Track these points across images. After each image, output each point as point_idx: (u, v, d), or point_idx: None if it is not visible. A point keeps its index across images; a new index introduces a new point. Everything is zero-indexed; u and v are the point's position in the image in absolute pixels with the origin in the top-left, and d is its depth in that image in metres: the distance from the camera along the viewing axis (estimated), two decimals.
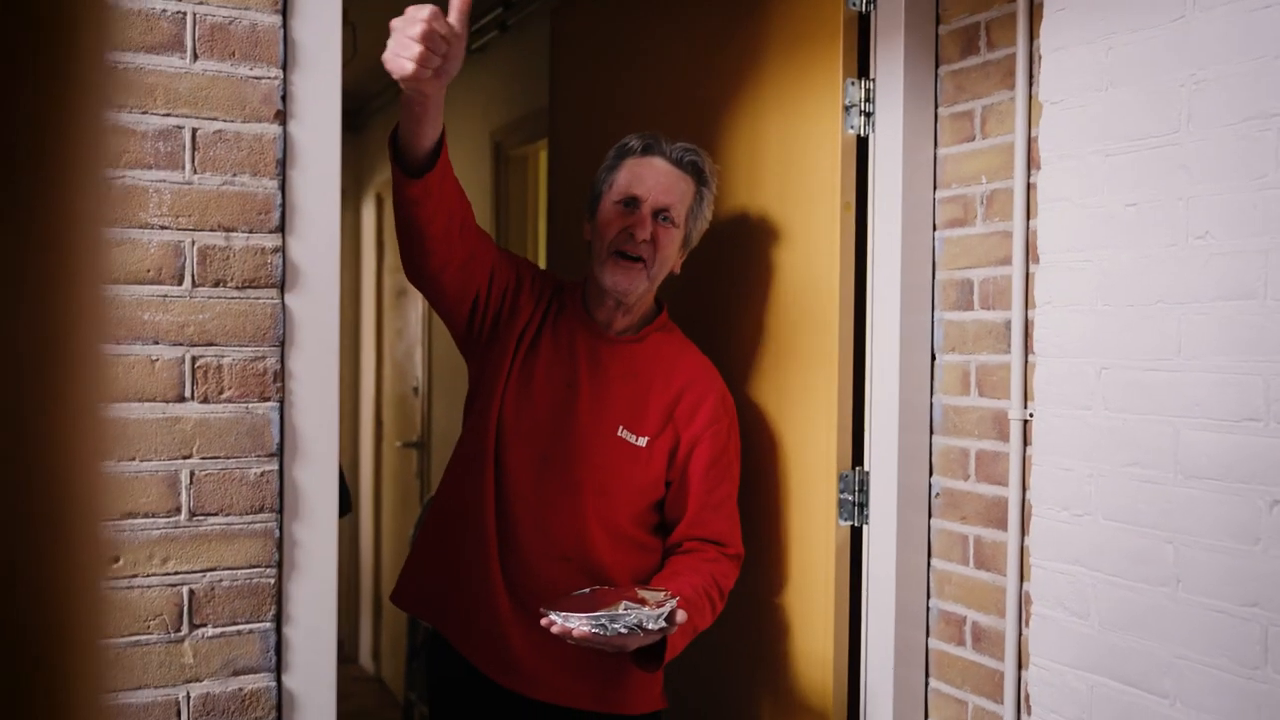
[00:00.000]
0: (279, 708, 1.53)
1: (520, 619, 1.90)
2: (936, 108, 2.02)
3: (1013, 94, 1.84)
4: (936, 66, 2.02)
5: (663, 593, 1.74)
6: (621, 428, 1.94)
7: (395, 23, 1.52)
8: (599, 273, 1.95)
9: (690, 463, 1.95)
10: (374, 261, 5.37)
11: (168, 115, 1.44)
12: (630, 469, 1.93)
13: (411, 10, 1.51)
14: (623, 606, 1.68)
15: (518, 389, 1.95)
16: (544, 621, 1.67)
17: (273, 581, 1.52)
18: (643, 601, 1.70)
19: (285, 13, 1.51)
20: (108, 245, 0.31)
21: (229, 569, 1.49)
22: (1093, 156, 1.64)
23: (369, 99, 5.33)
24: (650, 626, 1.65)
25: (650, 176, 1.95)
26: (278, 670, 1.52)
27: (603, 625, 1.64)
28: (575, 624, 1.64)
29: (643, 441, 1.94)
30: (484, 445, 1.93)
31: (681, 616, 1.69)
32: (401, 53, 1.50)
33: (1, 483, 0.27)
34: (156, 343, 1.45)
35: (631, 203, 1.94)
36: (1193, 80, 1.50)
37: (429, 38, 1.49)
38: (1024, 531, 1.82)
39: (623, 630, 1.64)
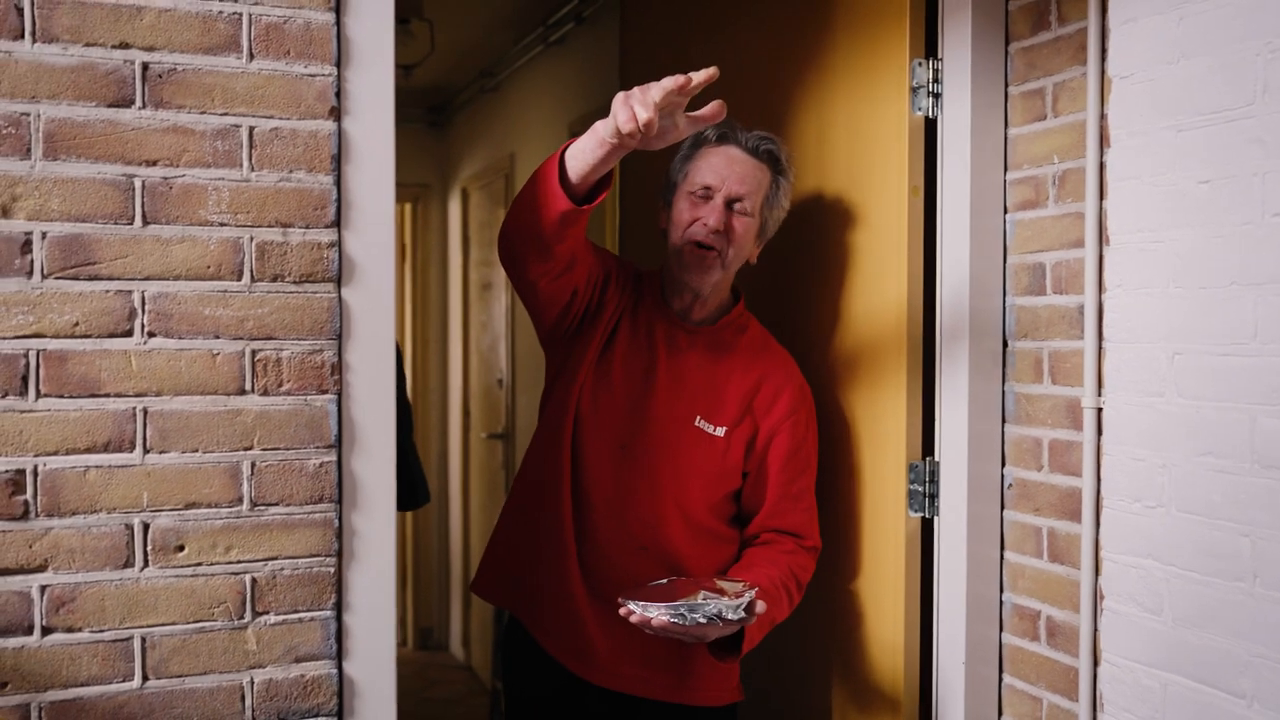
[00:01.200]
0: (340, 694, 1.56)
1: (596, 607, 1.91)
2: (1006, 86, 1.96)
3: (1084, 69, 1.77)
4: (1006, 44, 1.95)
5: (741, 583, 1.73)
6: (699, 417, 1.93)
7: (645, 87, 1.54)
8: (674, 264, 1.95)
9: (769, 454, 1.94)
10: (460, 255, 5.45)
11: (225, 114, 1.48)
12: (707, 459, 1.92)
13: (666, 80, 1.53)
14: (701, 596, 1.68)
15: (596, 379, 1.95)
16: (622, 611, 1.68)
17: (332, 570, 1.55)
18: (721, 592, 1.69)
19: (339, 10, 1.53)
20: None
21: (290, 558, 1.53)
22: (1164, 132, 1.57)
23: (453, 95, 5.40)
24: (730, 617, 1.65)
25: (724, 165, 1.94)
26: (339, 657, 1.56)
27: (681, 615, 1.64)
28: (654, 613, 1.65)
29: (720, 431, 1.93)
30: (562, 434, 1.94)
31: (761, 607, 1.69)
32: (636, 108, 1.52)
33: None
34: (217, 337, 1.48)
35: (705, 192, 1.93)
36: (1268, 49, 1.42)
37: (664, 106, 1.53)
38: (1098, 524, 1.76)
39: (702, 620, 1.64)
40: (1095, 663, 1.76)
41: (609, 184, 1.71)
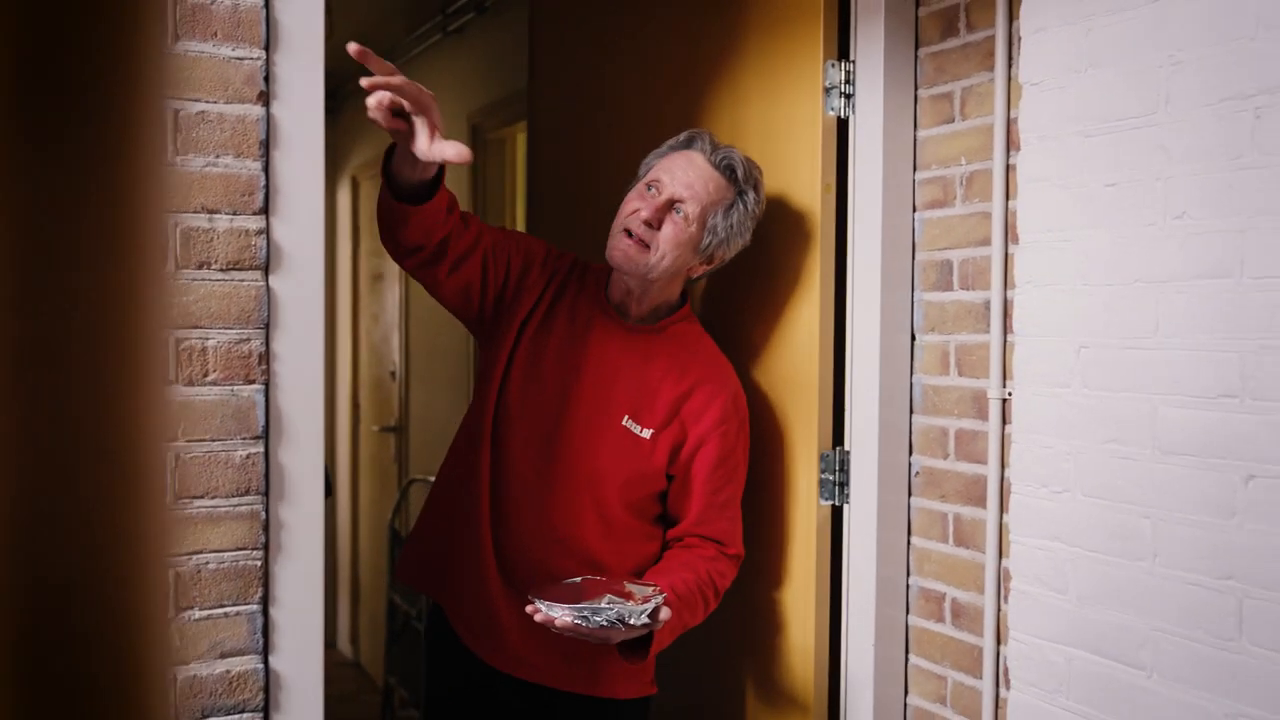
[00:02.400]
0: (266, 690, 1.53)
1: (510, 599, 1.91)
2: (916, 89, 2.03)
3: (992, 75, 1.86)
4: (916, 48, 2.03)
5: (651, 588, 1.75)
6: (627, 416, 1.93)
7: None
8: (608, 246, 1.94)
9: (695, 461, 1.94)
10: (349, 245, 5.35)
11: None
12: (631, 458, 1.92)
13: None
14: (606, 600, 1.69)
15: (525, 368, 1.95)
16: (529, 609, 1.69)
17: (259, 564, 1.52)
18: (629, 596, 1.71)
19: None
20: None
21: (215, 551, 1.49)
22: (1072, 137, 1.66)
23: (343, 81, 5.28)
24: (632, 622, 1.66)
25: (681, 168, 1.93)
26: (265, 652, 1.53)
27: (585, 617, 1.65)
28: (558, 614, 1.66)
29: (647, 433, 1.93)
30: (483, 423, 1.94)
31: (665, 614, 1.70)
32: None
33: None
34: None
35: (654, 188, 1.93)
36: (1171, 61, 1.52)
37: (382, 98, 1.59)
38: (1003, 509, 1.84)
39: (604, 623, 1.65)
40: (999, 641, 1.84)
41: (438, 185, 1.73)
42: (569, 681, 1.94)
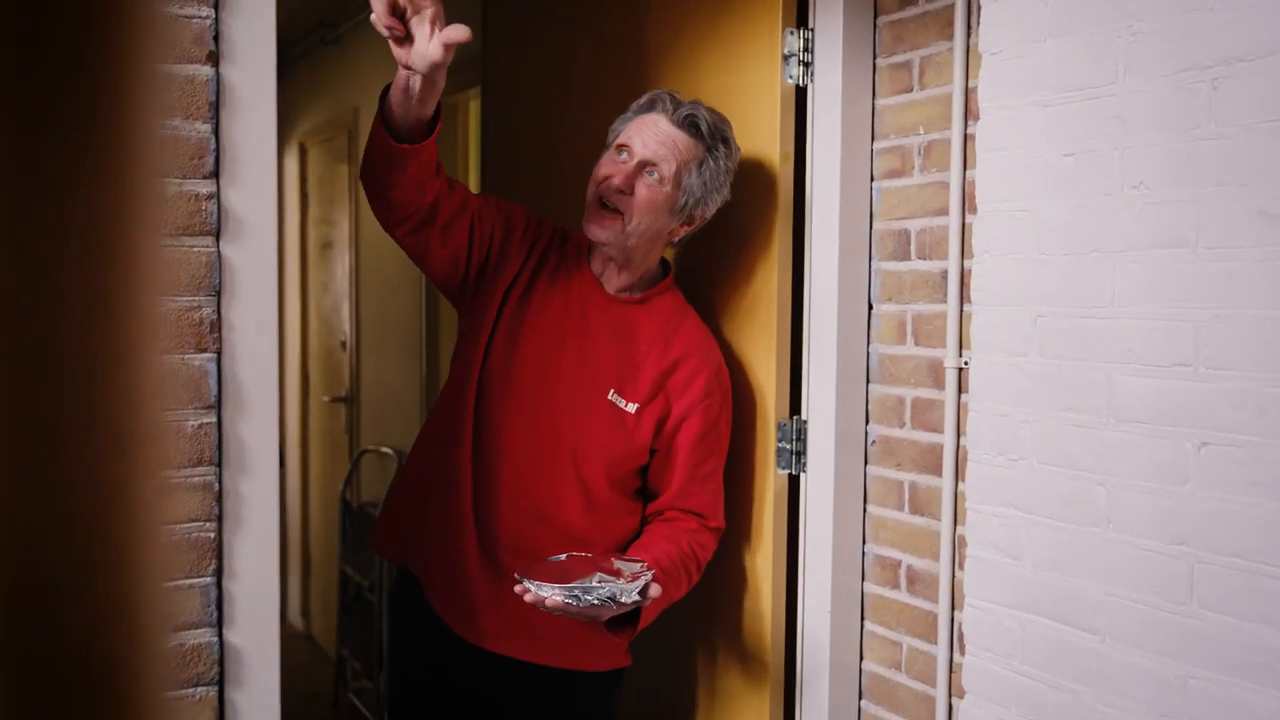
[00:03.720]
0: (222, 663, 1.51)
1: (486, 571, 1.89)
2: (875, 58, 2.03)
3: (951, 44, 1.85)
4: (875, 16, 2.02)
5: (639, 564, 1.74)
6: (612, 391, 1.92)
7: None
8: (584, 219, 1.92)
9: (679, 435, 1.93)
10: (298, 213, 5.26)
11: None
12: (616, 433, 1.91)
13: None
14: (597, 578, 1.67)
15: (508, 339, 1.93)
16: (518, 589, 1.66)
17: (213, 536, 1.49)
18: (617, 573, 1.70)
19: None
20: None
21: (167, 524, 1.46)
22: (1031, 107, 1.67)
23: (288, 46, 5.18)
24: (624, 600, 1.65)
25: (647, 130, 1.91)
26: (219, 625, 1.50)
27: (576, 596, 1.64)
28: (549, 593, 1.64)
29: (632, 408, 1.91)
30: (466, 395, 1.91)
31: (655, 590, 1.69)
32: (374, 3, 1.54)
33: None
34: None
35: (623, 153, 1.91)
36: (1130, 32, 1.52)
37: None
38: (959, 477, 1.86)
39: (595, 602, 1.64)
40: (955, 607, 1.87)
41: (435, 125, 1.69)
42: (542, 655, 1.93)
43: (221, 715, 1.51)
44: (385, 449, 4.11)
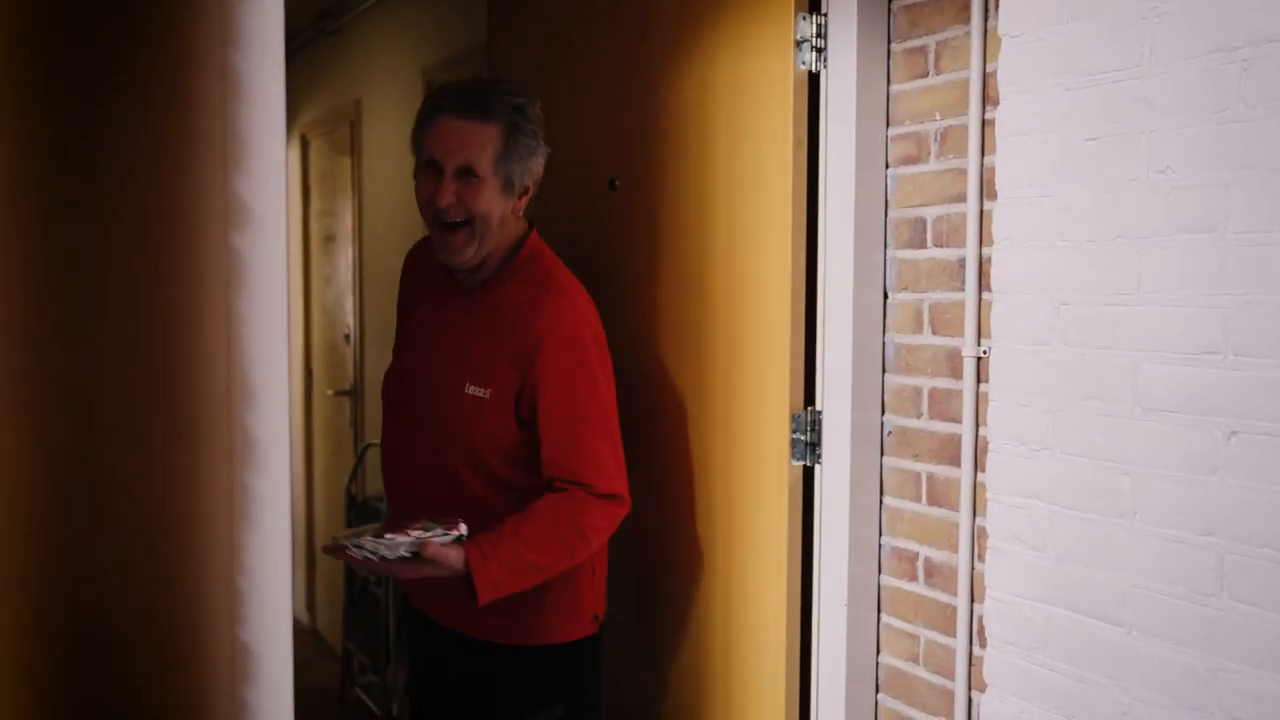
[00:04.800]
0: (234, 661, 1.48)
1: None
2: (889, 43, 2.00)
3: (968, 28, 1.82)
4: (889, 1, 1.99)
5: (438, 527, 1.83)
6: (469, 384, 1.96)
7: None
8: (435, 246, 1.99)
9: (538, 406, 1.93)
10: (300, 205, 5.23)
11: None
12: (481, 420, 1.95)
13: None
14: (385, 536, 1.80)
15: (397, 353, 2.15)
16: (323, 548, 1.89)
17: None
18: (421, 530, 1.82)
19: None
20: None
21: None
22: (1053, 90, 1.64)
23: (288, 37, 5.15)
24: (387, 555, 1.78)
25: (444, 135, 1.93)
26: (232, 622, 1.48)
27: (342, 548, 1.80)
28: (342, 548, 1.81)
29: (486, 393, 1.94)
30: (382, 405, 2.15)
31: (432, 552, 1.78)
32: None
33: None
34: None
35: (433, 167, 1.94)
36: (1155, 12, 1.49)
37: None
38: (978, 467, 1.83)
39: (360, 557, 1.79)
40: (974, 599, 1.84)
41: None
42: (481, 630, 2.00)
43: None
44: None
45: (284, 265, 1.52)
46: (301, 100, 5.22)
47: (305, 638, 5.06)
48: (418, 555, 1.79)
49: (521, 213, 2.02)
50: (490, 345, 1.95)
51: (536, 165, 1.98)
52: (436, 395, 1.99)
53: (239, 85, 1.45)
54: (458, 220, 1.92)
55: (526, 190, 1.99)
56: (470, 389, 1.95)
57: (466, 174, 1.91)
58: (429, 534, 1.81)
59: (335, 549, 1.83)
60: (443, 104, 1.93)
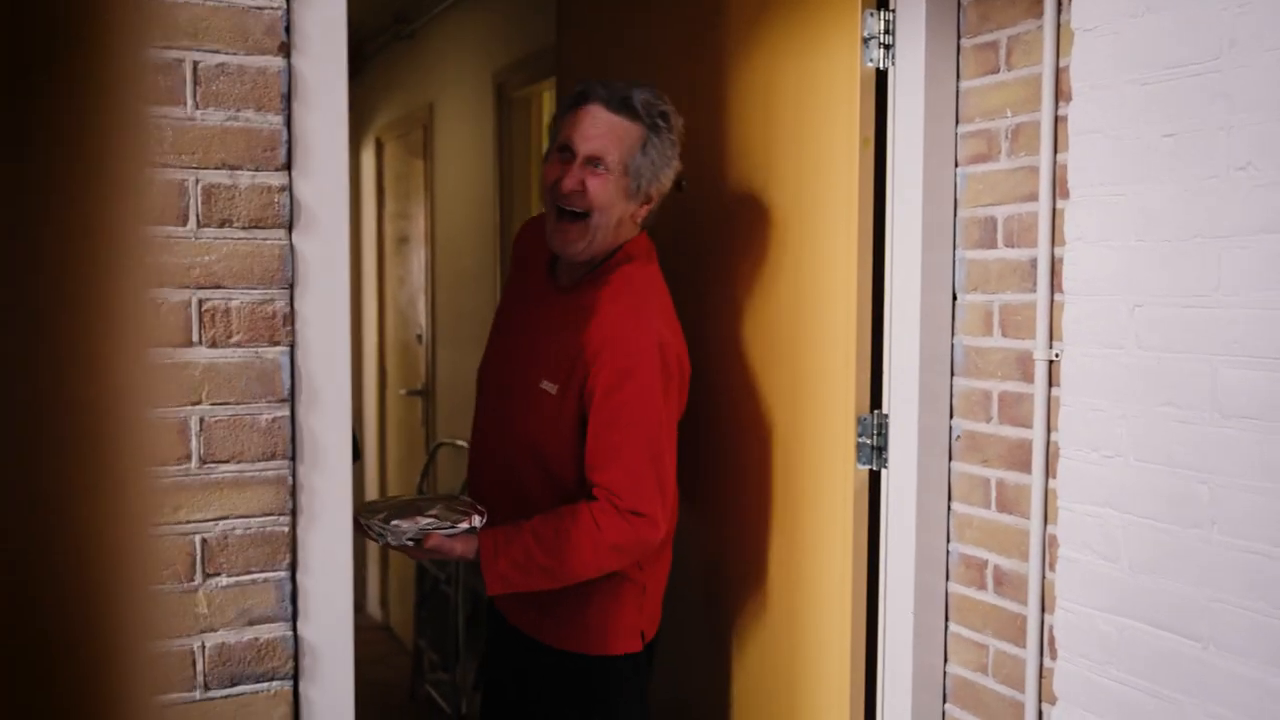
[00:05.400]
0: (296, 657, 1.50)
1: None
2: (959, 39, 1.95)
3: (1040, 22, 1.77)
4: None
5: (452, 515, 1.86)
6: (544, 379, 1.96)
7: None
8: (547, 232, 1.98)
9: (590, 406, 1.91)
10: (374, 207, 5.30)
11: (167, 48, 1.39)
12: (547, 415, 1.95)
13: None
14: (393, 522, 1.84)
15: (492, 341, 2.16)
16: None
17: (286, 529, 1.48)
18: (434, 519, 1.85)
19: None
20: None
21: (242, 517, 1.46)
22: (1128, 86, 1.58)
23: (364, 41, 5.22)
24: (391, 541, 1.84)
25: (585, 123, 1.93)
26: (294, 619, 1.50)
27: (358, 523, 1.82)
28: (357, 520, 1.81)
29: (555, 389, 1.95)
30: (475, 389, 2.15)
31: (434, 544, 1.81)
32: None
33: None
34: (161, 285, 1.40)
35: (566, 152, 1.93)
36: (1235, 4, 1.43)
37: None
38: (1049, 474, 1.78)
39: (377, 538, 1.84)
40: (1044, 609, 1.79)
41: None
42: (541, 632, 2.01)
43: (296, 709, 1.51)
44: (461, 442, 4.12)
45: (346, 267, 1.54)
46: (377, 103, 5.30)
47: (379, 634, 5.13)
48: (419, 543, 1.84)
49: (640, 220, 1.99)
50: (566, 342, 1.95)
51: (666, 177, 1.96)
52: (515, 388, 2.01)
53: (302, 88, 1.47)
54: (576, 210, 1.92)
55: (650, 199, 1.97)
56: (543, 384, 1.96)
57: (596, 163, 1.91)
58: (438, 523, 1.84)
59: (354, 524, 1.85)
60: (590, 93, 1.94)
